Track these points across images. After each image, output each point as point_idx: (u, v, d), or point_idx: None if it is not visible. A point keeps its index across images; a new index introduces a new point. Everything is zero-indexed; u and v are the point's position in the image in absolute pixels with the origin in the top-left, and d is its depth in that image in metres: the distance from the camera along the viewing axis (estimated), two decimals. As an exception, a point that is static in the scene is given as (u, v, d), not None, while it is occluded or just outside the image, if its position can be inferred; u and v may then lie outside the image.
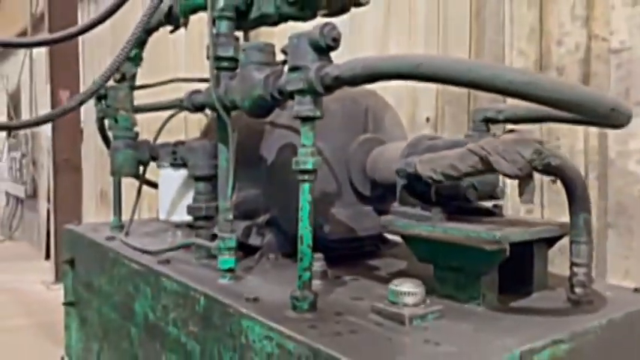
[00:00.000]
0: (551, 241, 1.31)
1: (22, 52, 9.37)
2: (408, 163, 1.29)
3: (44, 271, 7.14)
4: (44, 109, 7.58)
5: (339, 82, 1.05)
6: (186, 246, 1.61)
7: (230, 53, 1.37)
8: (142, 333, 1.66)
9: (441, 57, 0.90)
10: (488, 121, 1.37)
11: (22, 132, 9.75)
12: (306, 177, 1.13)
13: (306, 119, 1.13)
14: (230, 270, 1.39)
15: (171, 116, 1.94)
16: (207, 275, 1.46)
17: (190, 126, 4.12)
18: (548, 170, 1.14)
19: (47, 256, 7.80)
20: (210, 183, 1.61)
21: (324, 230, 1.55)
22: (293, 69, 1.12)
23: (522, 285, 1.30)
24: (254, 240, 1.68)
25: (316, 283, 1.37)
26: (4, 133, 10.77)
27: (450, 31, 2.37)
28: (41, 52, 7.67)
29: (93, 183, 6.97)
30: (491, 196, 1.36)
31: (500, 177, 1.34)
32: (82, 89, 6.68)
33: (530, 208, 2.06)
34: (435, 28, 2.44)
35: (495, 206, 1.41)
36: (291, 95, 1.15)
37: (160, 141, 1.94)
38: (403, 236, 1.33)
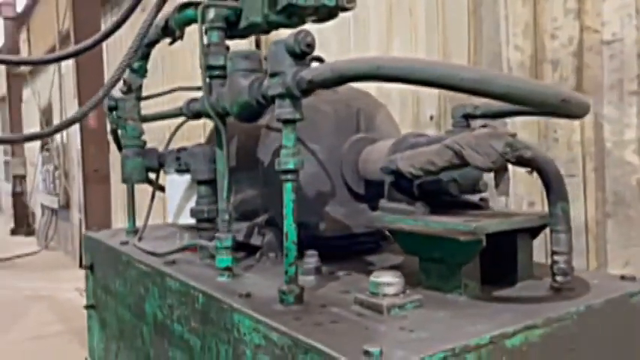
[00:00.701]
0: (534, 232, 1.34)
1: (52, 68, 9.73)
2: (391, 161, 1.34)
3: (78, 278, 7.36)
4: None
5: (312, 86, 1.11)
6: (189, 247, 1.69)
7: (221, 62, 1.45)
8: (152, 332, 1.75)
9: (399, 59, 0.94)
10: (468, 116, 1.41)
11: (54, 145, 10.11)
12: (288, 176, 1.19)
13: (286, 122, 1.19)
14: (227, 268, 1.46)
15: (182, 124, 2.03)
16: (208, 274, 1.53)
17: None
18: (521, 162, 1.17)
19: (81, 264, 8.06)
20: (211, 186, 1.69)
21: (320, 228, 1.61)
22: (272, 75, 1.19)
23: (507, 275, 1.33)
24: (255, 240, 1.75)
25: (309, 279, 1.44)
26: (37, 148, 11.17)
27: (450, 29, 2.41)
28: (69, 68, 7.95)
29: (121, 192, 7.17)
30: (475, 190, 1.39)
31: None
32: (107, 102, 6.90)
33: (532, 201, 2.08)
34: (435, 27, 2.48)
35: (482, 199, 1.44)
36: (273, 99, 1.22)
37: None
38: (390, 231, 1.38)
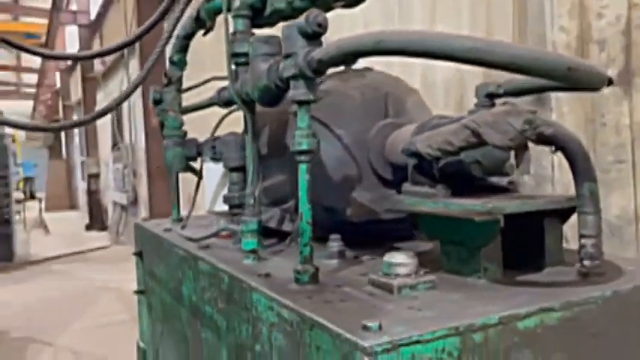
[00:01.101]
0: (564, 216, 1.27)
1: (121, 72, 10.25)
2: (411, 143, 1.32)
3: (143, 271, 7.71)
4: (141, 122, 8.22)
5: (322, 65, 1.11)
6: (219, 233, 1.73)
7: (245, 49, 1.48)
8: (188, 314, 1.81)
9: (400, 32, 0.93)
10: (491, 95, 1.36)
11: (123, 145, 10.64)
12: (302, 157, 1.20)
13: (300, 103, 1.20)
14: (253, 251, 1.48)
15: (228, 113, 2.07)
16: (236, 257, 1.57)
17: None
18: (543, 140, 1.13)
19: (147, 258, 8.43)
20: (242, 173, 1.73)
21: (346, 213, 1.61)
22: (286, 56, 1.20)
23: (534, 260, 1.28)
24: (286, 226, 1.77)
25: (332, 262, 1.44)
26: (109, 147, 11.79)
27: (494, 10, 2.33)
28: (135, 71, 8.34)
29: (182, 187, 7.44)
30: (502, 173, 1.35)
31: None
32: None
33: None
34: (479, 9, 2.41)
35: (510, 183, 1.39)
36: (288, 82, 1.23)
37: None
38: (412, 215, 1.36)
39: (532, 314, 0.99)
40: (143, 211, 9.12)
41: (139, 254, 2.50)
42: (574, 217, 1.22)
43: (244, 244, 1.49)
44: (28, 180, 20.01)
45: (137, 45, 7.50)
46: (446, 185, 1.30)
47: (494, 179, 1.37)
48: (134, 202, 9.95)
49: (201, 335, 1.67)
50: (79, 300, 6.63)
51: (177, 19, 1.49)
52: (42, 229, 13.18)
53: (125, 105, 10.51)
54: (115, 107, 1.58)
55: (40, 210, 15.71)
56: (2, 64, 21.07)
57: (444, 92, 2.59)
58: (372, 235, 1.70)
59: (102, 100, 12.76)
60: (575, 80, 0.85)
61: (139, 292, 2.53)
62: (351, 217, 1.60)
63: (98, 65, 12.65)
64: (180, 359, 1.95)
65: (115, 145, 11.43)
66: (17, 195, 12.34)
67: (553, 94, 2.03)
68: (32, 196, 19.68)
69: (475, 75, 2.43)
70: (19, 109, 20.70)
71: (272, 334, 1.17)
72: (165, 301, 2.11)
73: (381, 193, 1.64)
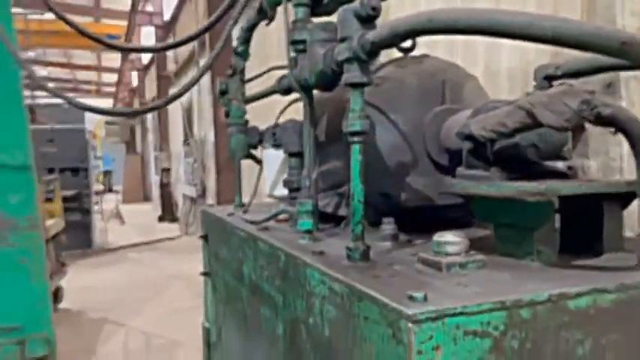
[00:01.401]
0: (624, 201, 1.24)
1: (192, 70, 10.67)
2: (465, 125, 1.32)
3: (210, 261, 8.01)
4: (210, 117, 8.52)
5: (375, 47, 1.14)
6: (277, 215, 1.80)
7: (304, 36, 1.53)
8: (248, 293, 1.90)
9: (449, 10, 0.94)
10: (549, 78, 1.34)
11: (193, 140, 11.07)
12: (355, 139, 1.24)
13: (354, 85, 1.23)
14: (308, 231, 1.54)
15: (292, 102, 2.13)
16: (292, 238, 1.63)
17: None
18: (601, 121, 1.10)
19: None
20: (300, 158, 1.78)
21: (402, 199, 1.63)
22: (341, 40, 1.24)
23: (592, 246, 1.25)
24: (342, 211, 1.81)
25: (385, 244, 1.47)
26: (180, 143, 12.29)
27: (561, -3, 2.26)
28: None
29: (247, 179, 7.65)
30: (559, 157, 1.32)
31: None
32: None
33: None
34: (545, -5, 2.35)
35: (570, 168, 1.36)
36: (342, 65, 1.27)
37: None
38: (465, 198, 1.36)
39: (584, 294, 0.98)
40: (211, 203, 9.46)
41: (205, 237, 2.62)
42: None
43: (300, 225, 1.54)
44: (106, 173, 21.22)
45: (207, 46, 7.80)
46: (500, 168, 1.29)
47: (552, 164, 1.35)
48: (202, 194, 10.34)
49: (260, 312, 1.75)
50: (151, 286, 6.99)
51: (243, 8, 1.56)
52: (118, 219, 13.94)
53: (195, 103, 10.94)
54: (184, 92, 1.68)
55: (117, 202, 16.65)
56: (85, 64, 22.44)
57: (509, 82, 2.54)
58: (427, 221, 1.70)
59: (174, 97, 13.31)
60: (631, 56, 0.83)
61: (204, 274, 2.66)
62: (406, 202, 1.62)
63: (171, 64, 13.22)
64: (240, 337, 2.05)
65: (185, 141, 11.92)
66: (97, 187, 13.09)
67: (623, 82, 1.95)
68: (110, 189, 20.85)
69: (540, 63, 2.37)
70: (100, 106, 21.96)
71: (324, 306, 1.21)
72: (228, 282, 2.21)
73: (436, 178, 1.65)
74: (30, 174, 3.84)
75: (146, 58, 17.32)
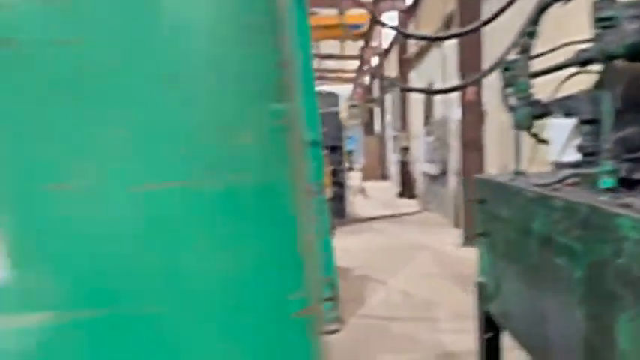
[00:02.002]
0: None
1: (434, 52, 10.99)
2: None
3: (453, 236, 8.34)
4: (456, 97, 8.73)
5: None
6: (570, 177, 2.00)
7: (611, 14, 1.70)
8: (537, 245, 2.15)
9: None
10: None
11: (434, 119, 11.44)
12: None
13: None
14: (609, 189, 1.72)
15: (571, 75, 2.29)
16: (589, 196, 1.83)
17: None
18: None
19: (456, 225, 9.05)
20: (594, 126, 1.95)
21: None
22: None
23: None
24: (637, 175, 1.93)
25: (692, 202, 1.57)
26: (420, 123, 12.78)
27: None
28: (451, 49, 8.90)
29: (495, 158, 7.70)
30: None
31: None
32: (484, 75, 7.50)
33: None
34: None
35: None
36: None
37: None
38: None
39: None
40: (451, 182, 9.73)
41: (480, 202, 2.94)
42: None
43: (602, 183, 1.74)
44: (350, 153, 23.10)
45: (457, 18, 7.99)
46: None
47: None
48: (442, 172, 10.67)
49: (553, 261, 1.99)
50: (399, 253, 7.63)
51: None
52: (362, 194, 15.19)
53: (437, 83, 11.26)
54: (489, 72, 1.98)
55: (360, 178, 18.09)
56: (329, 54, 24.58)
57: None
58: None
59: (414, 78, 13.85)
60: None
61: (480, 234, 2.98)
62: None
63: (412, 47, 13.75)
64: (525, 286, 2.31)
65: (426, 120, 12.37)
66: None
67: None
68: (351, 168, 22.65)
69: None
70: (341, 91, 23.97)
71: (637, 248, 1.41)
72: (510, 238, 2.49)
73: None
74: (319, 148, 4.67)
75: (387, 43, 18.23)
